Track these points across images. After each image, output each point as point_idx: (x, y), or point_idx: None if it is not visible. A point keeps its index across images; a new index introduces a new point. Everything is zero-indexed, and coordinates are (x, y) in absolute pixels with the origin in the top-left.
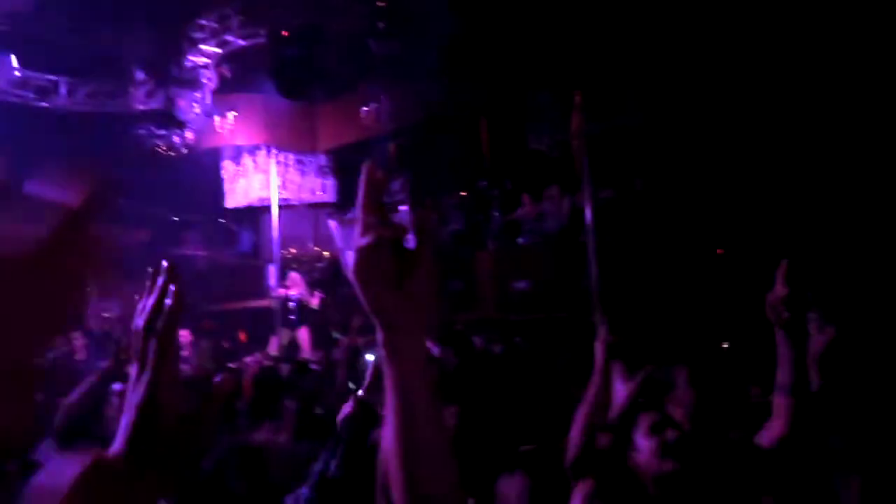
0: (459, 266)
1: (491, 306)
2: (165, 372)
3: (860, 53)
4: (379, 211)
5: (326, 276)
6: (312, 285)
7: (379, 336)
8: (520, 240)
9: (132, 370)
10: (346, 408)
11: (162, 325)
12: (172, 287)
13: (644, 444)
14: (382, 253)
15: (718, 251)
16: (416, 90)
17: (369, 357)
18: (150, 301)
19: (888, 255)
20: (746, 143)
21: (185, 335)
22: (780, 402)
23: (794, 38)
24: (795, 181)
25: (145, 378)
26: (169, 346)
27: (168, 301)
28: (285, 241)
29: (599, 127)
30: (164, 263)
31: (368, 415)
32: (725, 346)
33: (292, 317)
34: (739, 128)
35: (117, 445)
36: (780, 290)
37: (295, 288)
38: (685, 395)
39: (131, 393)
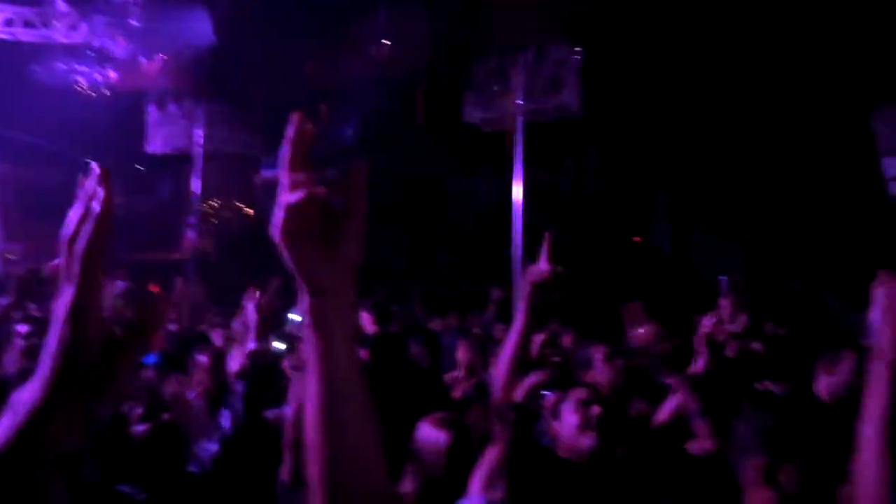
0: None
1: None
2: (92, 287)
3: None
4: (307, 166)
5: (243, 233)
6: (223, 241)
7: (304, 301)
8: (448, 213)
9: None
10: (234, 362)
11: (88, 235)
12: (102, 193)
13: (570, 419)
14: (311, 211)
15: (636, 239)
16: (360, 52)
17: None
18: (77, 210)
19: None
20: (678, 128)
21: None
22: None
23: (724, 30)
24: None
25: (69, 292)
26: (95, 258)
27: (96, 208)
28: (208, 194)
29: (534, 107)
30: (95, 167)
31: (261, 369)
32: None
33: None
34: (672, 112)
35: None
36: (542, 266)
37: (195, 240)
38: (601, 374)
39: (58, 307)
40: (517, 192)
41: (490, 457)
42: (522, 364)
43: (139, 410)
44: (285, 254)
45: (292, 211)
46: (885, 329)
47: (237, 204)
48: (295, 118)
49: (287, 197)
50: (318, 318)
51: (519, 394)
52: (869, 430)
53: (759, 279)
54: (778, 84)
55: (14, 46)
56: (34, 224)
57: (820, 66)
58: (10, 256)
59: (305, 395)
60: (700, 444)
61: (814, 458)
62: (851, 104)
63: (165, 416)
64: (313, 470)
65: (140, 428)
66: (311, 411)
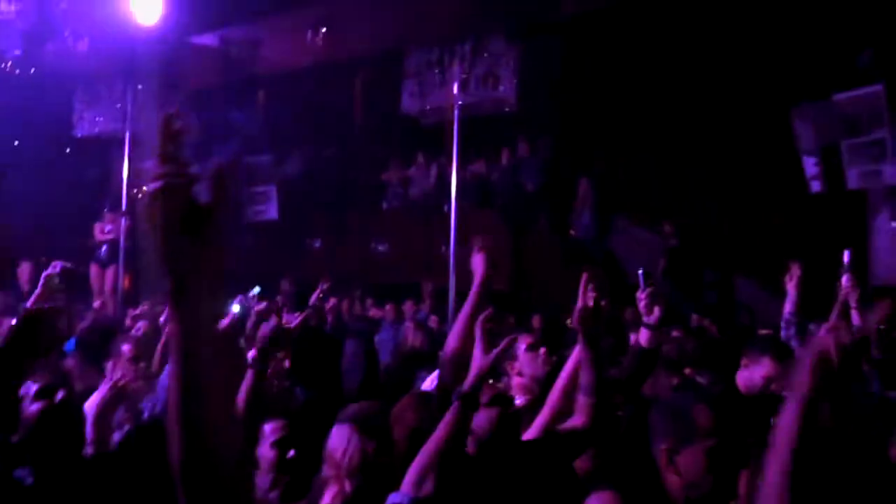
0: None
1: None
2: None
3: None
4: (174, 159)
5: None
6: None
7: (168, 285)
8: (384, 204)
9: None
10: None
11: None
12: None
13: (482, 416)
14: (172, 199)
15: (571, 232)
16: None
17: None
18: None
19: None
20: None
21: (25, 268)
22: (581, 401)
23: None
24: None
25: None
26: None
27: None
28: (136, 180)
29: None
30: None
31: None
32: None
33: (102, 256)
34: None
35: None
36: (583, 303)
37: (111, 227)
38: (527, 366)
39: None
40: (452, 183)
41: (426, 449)
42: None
43: (34, 388)
44: (151, 238)
45: (153, 197)
46: (805, 370)
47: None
48: (164, 117)
49: (150, 185)
50: (176, 303)
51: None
52: (773, 463)
53: (676, 270)
54: (700, 79)
55: None
56: None
57: (742, 62)
58: None
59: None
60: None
61: (719, 446)
62: (772, 101)
63: (60, 394)
64: (173, 453)
65: (34, 407)
66: (171, 393)
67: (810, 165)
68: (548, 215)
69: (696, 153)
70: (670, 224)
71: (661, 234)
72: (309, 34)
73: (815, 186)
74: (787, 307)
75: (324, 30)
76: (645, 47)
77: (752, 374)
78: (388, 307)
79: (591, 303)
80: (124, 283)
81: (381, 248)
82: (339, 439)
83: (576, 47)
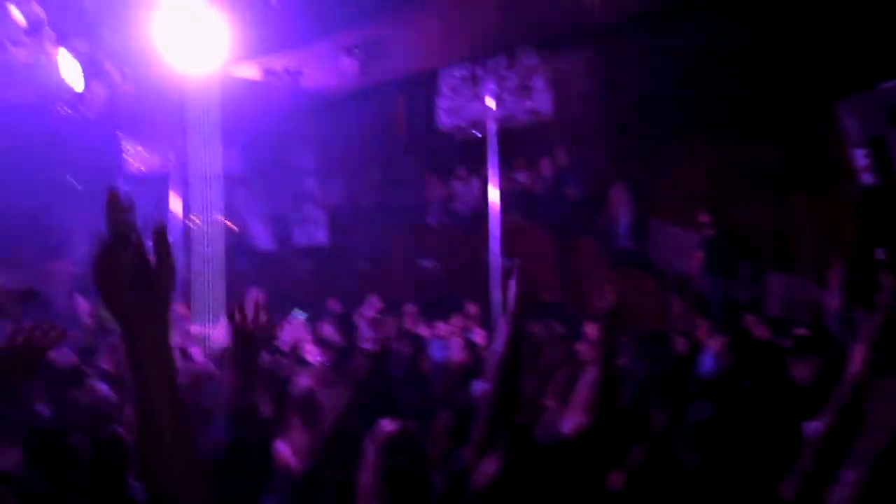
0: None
1: (403, 286)
2: None
3: None
4: (121, 229)
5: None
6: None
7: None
8: (429, 220)
9: None
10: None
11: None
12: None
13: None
14: (113, 262)
15: (617, 239)
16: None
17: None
18: None
19: None
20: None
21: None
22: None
23: None
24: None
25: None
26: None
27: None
28: (189, 212)
29: (508, 110)
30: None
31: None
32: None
33: None
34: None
35: None
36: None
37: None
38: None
39: None
40: (494, 196)
41: None
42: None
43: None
44: (101, 295)
45: (98, 260)
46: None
47: (221, 219)
48: (110, 195)
49: (97, 250)
50: (129, 352)
51: None
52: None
53: (715, 261)
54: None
55: None
56: (16, 249)
57: (784, 56)
58: None
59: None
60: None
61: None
62: (816, 95)
63: (110, 429)
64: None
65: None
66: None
67: (859, 157)
68: (593, 222)
69: (738, 151)
70: (705, 214)
71: (697, 227)
72: (345, 59)
73: (866, 178)
74: (834, 302)
75: (358, 53)
76: (682, 49)
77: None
78: (436, 324)
79: (611, 305)
80: (183, 311)
81: (427, 264)
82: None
83: (610, 54)
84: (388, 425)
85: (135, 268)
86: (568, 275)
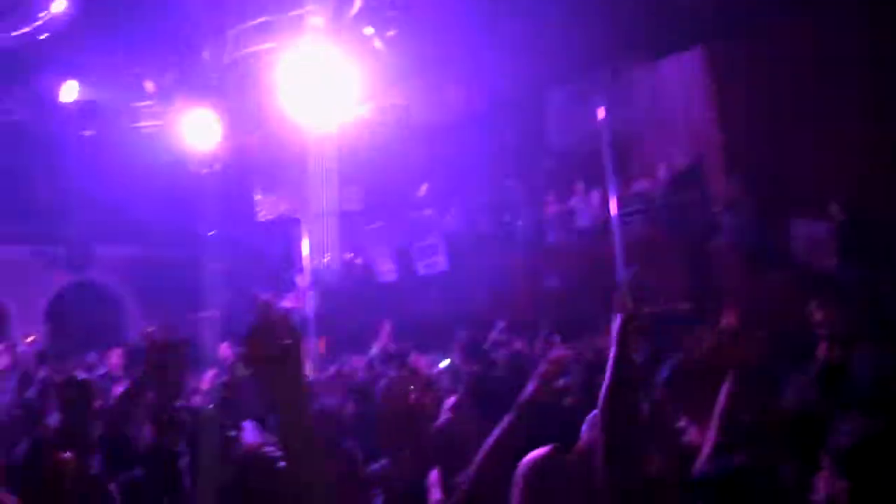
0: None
1: (525, 307)
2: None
3: None
4: (267, 325)
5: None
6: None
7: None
8: (549, 238)
9: None
10: None
11: None
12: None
13: None
14: (259, 346)
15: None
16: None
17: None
18: None
19: None
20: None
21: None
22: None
23: None
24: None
25: None
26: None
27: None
28: (315, 252)
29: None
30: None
31: None
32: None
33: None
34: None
35: None
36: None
37: (296, 299)
38: None
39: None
40: (614, 208)
41: None
42: None
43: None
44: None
45: (249, 344)
46: None
47: (346, 255)
48: (259, 304)
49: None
50: (271, 405)
51: None
52: None
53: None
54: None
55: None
56: (165, 299)
57: None
58: (148, 329)
59: None
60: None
61: None
62: None
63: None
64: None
65: None
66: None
67: None
68: (719, 225)
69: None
70: (835, 204)
71: (827, 216)
72: (452, 90)
73: None
74: None
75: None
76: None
77: None
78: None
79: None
80: (320, 347)
81: (551, 283)
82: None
83: (720, 55)
84: (536, 452)
85: (275, 349)
86: (699, 282)
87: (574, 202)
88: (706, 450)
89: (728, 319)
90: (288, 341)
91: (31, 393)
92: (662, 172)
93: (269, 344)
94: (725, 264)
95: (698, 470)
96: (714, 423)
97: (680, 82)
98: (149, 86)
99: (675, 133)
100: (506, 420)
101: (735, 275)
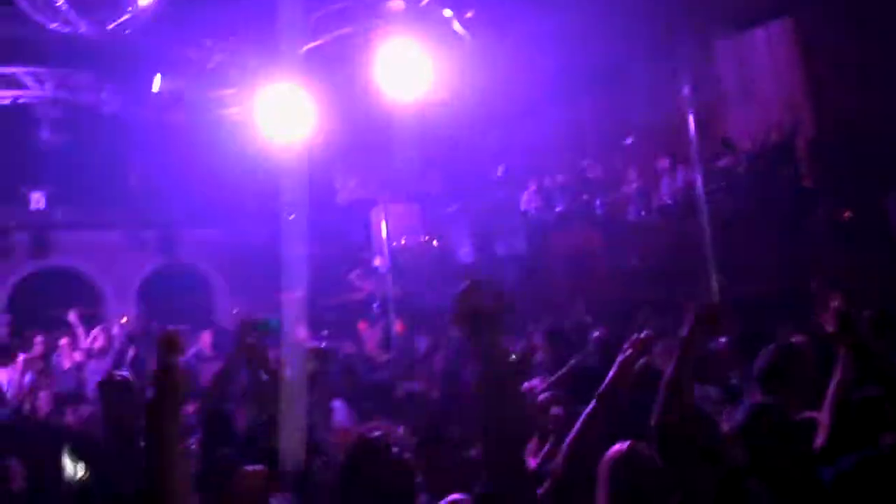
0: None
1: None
2: None
3: None
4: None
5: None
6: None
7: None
8: (629, 216)
9: None
10: None
11: None
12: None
13: None
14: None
15: (846, 214)
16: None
17: None
18: None
19: None
20: None
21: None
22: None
23: None
24: None
25: None
26: None
27: None
28: (393, 234)
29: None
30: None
31: None
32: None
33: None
34: None
35: None
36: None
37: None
38: None
39: None
40: (699, 185)
41: None
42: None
43: None
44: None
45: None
46: None
47: (425, 238)
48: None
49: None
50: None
51: None
52: None
53: None
54: None
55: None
56: (252, 281)
57: None
58: (235, 310)
59: None
60: None
61: None
62: None
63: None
64: None
65: None
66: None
67: None
68: (810, 200)
69: None
70: None
71: None
72: (529, 69)
73: None
74: None
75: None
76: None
77: None
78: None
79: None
80: (397, 328)
81: (632, 262)
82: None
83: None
84: (619, 445)
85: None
86: (790, 260)
87: (656, 179)
88: (822, 436)
89: (836, 301)
90: (492, 303)
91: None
92: (751, 146)
93: (476, 305)
94: (819, 242)
95: (838, 469)
96: (827, 407)
97: (768, 53)
98: (233, 74)
99: (764, 106)
100: (590, 407)
101: (830, 252)
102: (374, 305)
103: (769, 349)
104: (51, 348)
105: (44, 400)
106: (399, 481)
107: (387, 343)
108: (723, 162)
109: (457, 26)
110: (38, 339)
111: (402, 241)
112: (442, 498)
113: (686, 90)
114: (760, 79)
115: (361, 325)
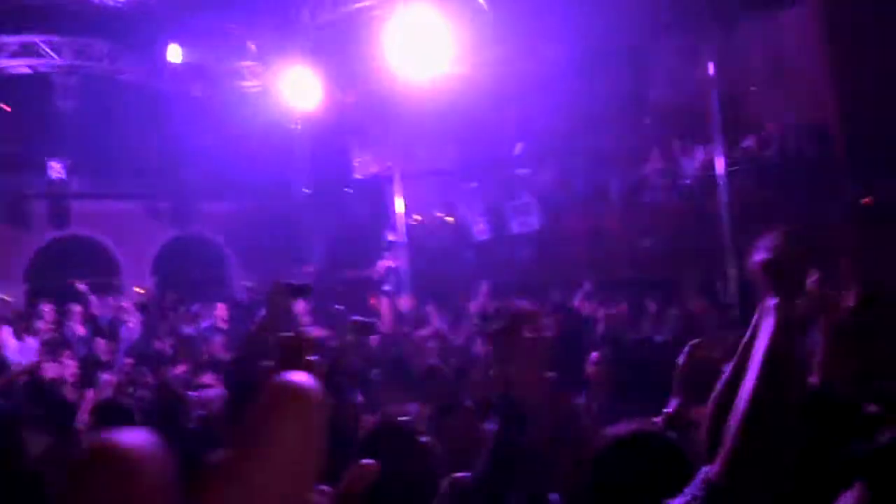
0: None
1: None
2: None
3: None
4: None
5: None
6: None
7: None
8: (646, 197)
9: None
10: None
11: None
12: None
13: None
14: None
15: (865, 201)
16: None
17: None
18: None
19: None
20: None
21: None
22: None
23: None
24: None
25: None
26: None
27: None
28: (409, 209)
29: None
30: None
31: None
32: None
33: (387, 287)
34: None
35: None
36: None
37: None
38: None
39: None
40: (720, 167)
41: None
42: None
43: None
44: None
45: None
46: None
47: (439, 214)
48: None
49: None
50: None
51: None
52: None
53: None
54: None
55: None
56: (265, 255)
57: None
58: (247, 284)
59: None
60: None
61: None
62: None
63: None
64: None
65: None
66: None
67: None
68: (833, 182)
69: None
70: None
71: None
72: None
73: None
74: None
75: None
76: None
77: None
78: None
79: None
80: (407, 303)
81: (647, 243)
82: None
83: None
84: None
85: None
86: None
87: (676, 160)
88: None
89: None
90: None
91: None
92: (775, 128)
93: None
94: (841, 225)
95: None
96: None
97: (796, 33)
98: (251, 46)
99: (790, 87)
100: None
101: (852, 235)
102: (388, 280)
103: None
104: (63, 317)
105: (51, 371)
106: (423, 466)
107: (399, 318)
108: (746, 143)
109: None
110: (47, 307)
111: (418, 218)
112: (454, 470)
113: (710, 69)
114: (787, 60)
115: (374, 300)
